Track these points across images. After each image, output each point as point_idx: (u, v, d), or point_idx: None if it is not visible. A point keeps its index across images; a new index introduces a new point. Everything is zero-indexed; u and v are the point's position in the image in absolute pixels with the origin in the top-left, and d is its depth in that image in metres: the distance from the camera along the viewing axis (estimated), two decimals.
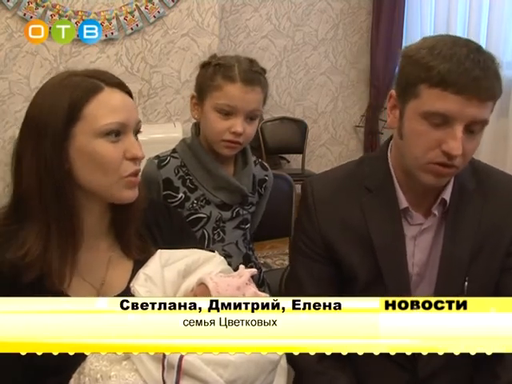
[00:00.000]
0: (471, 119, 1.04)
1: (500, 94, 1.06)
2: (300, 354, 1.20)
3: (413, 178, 1.14)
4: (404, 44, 4.40)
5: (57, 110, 1.02)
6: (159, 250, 1.08)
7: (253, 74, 1.45)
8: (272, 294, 1.59)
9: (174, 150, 1.57)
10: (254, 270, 1.06)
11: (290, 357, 1.09)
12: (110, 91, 1.05)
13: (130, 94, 1.09)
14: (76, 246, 1.05)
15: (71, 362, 0.98)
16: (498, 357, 1.16)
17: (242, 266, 1.08)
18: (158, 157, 1.55)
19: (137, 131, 1.08)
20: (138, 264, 1.08)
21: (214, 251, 1.17)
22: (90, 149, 1.02)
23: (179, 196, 1.51)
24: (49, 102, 1.03)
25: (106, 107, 1.03)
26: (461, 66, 1.01)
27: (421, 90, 1.06)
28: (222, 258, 1.15)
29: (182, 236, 1.21)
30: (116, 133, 1.03)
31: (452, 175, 1.13)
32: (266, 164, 1.69)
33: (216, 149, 1.50)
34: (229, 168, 1.56)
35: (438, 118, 1.05)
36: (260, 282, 1.67)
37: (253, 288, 1.02)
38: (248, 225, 1.61)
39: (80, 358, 0.99)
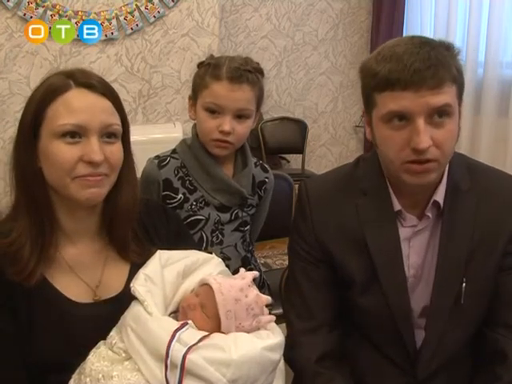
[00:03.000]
0: (428, 109, 1.05)
1: (454, 79, 1.07)
2: (298, 354, 1.21)
3: (399, 180, 1.14)
4: None
5: (28, 109, 1.04)
6: (159, 251, 1.08)
7: (240, 72, 1.43)
8: (272, 294, 1.59)
9: (173, 151, 1.56)
10: (256, 273, 1.07)
11: (288, 357, 1.10)
12: (76, 92, 1.03)
13: (106, 95, 1.05)
14: (51, 241, 1.05)
15: (73, 360, 0.99)
16: (498, 357, 1.17)
17: (242, 269, 1.08)
18: (158, 157, 1.54)
19: (108, 134, 1.04)
20: (135, 266, 1.08)
21: (211, 253, 1.17)
22: (49, 149, 1.02)
23: (178, 197, 1.50)
24: (28, 100, 1.06)
25: (65, 108, 1.01)
26: (400, 63, 1.03)
27: (375, 98, 1.08)
28: (220, 259, 1.15)
29: (178, 240, 1.20)
30: (72, 134, 1.01)
31: (434, 170, 1.10)
32: (266, 166, 1.68)
33: (208, 148, 1.50)
34: (228, 169, 1.55)
35: (397, 119, 1.06)
36: (261, 284, 1.67)
37: (255, 290, 1.03)
38: (247, 227, 1.60)
39: (82, 356, 0.99)
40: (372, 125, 1.13)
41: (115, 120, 1.06)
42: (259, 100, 1.50)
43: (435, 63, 1.04)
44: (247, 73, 1.44)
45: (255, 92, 1.47)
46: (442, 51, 1.06)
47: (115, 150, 1.05)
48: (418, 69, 1.03)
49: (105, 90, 1.06)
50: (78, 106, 1.02)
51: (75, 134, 1.01)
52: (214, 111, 1.45)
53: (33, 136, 1.03)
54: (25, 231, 1.03)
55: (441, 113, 1.06)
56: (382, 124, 1.09)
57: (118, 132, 1.06)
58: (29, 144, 1.03)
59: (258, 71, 1.49)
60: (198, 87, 1.48)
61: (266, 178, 1.64)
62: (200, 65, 1.52)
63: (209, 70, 1.46)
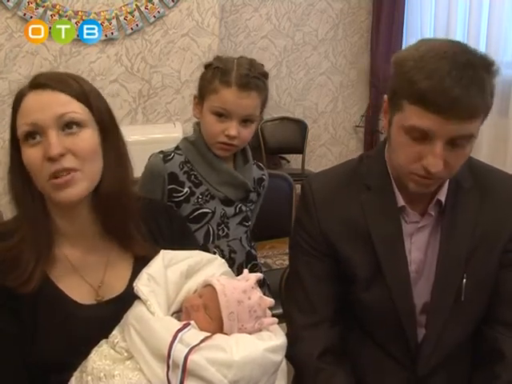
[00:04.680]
0: (452, 136, 1.04)
1: (487, 109, 1.05)
2: (300, 349, 1.21)
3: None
4: (404, 44, 4.40)
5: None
6: (162, 251, 1.08)
7: (249, 79, 1.45)
8: (271, 294, 1.60)
9: (177, 147, 1.58)
10: (260, 275, 1.07)
11: (290, 353, 1.10)
12: (30, 95, 1.03)
13: (61, 89, 1.03)
14: (51, 244, 1.05)
15: (74, 360, 0.99)
16: (497, 356, 1.18)
17: (246, 271, 1.10)
18: (162, 152, 1.56)
19: (67, 124, 1.01)
20: (138, 266, 1.08)
21: (215, 252, 1.17)
22: (24, 157, 1.02)
23: (185, 190, 1.52)
24: None
25: (22, 113, 1.02)
26: (441, 85, 0.99)
27: (404, 104, 1.06)
28: (223, 260, 1.15)
29: (182, 240, 1.20)
30: (31, 135, 1.01)
31: (437, 184, 1.14)
32: (261, 164, 1.72)
33: (212, 149, 1.52)
34: (229, 166, 1.57)
35: (419, 133, 1.05)
36: (261, 282, 1.67)
37: (258, 292, 1.03)
38: (249, 222, 1.63)
39: (84, 356, 0.99)
40: (391, 122, 1.12)
41: (71, 108, 1.02)
42: (264, 104, 1.53)
43: (475, 93, 1.00)
44: (255, 79, 1.46)
45: (261, 98, 1.50)
46: (483, 74, 1.02)
47: (79, 139, 1.02)
48: (456, 97, 0.99)
49: (60, 85, 1.03)
50: (32, 106, 1.02)
51: (33, 133, 1.01)
52: (221, 115, 1.47)
53: (16, 148, 1.04)
54: (24, 237, 1.03)
55: (461, 140, 1.05)
56: (402, 132, 1.08)
57: (78, 119, 1.02)
58: (15, 156, 1.04)
59: (264, 76, 1.51)
60: (205, 90, 1.50)
61: (263, 175, 1.68)
62: (208, 66, 1.52)
63: (217, 74, 1.47)
